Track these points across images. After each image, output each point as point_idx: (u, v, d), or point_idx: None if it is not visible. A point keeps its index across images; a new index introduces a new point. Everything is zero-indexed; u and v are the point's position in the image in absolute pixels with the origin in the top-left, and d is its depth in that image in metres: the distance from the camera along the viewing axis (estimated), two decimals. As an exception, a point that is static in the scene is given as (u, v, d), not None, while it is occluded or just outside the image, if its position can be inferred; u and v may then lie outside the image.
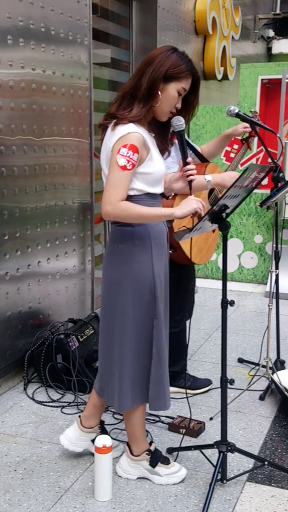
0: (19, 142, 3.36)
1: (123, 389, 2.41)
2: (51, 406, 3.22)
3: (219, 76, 7.15)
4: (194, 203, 2.26)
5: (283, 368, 3.55)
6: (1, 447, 2.80)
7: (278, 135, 3.39)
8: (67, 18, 3.78)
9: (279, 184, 3.21)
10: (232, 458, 2.69)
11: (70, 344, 3.43)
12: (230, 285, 5.57)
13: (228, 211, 2.30)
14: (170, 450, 2.74)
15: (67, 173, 3.90)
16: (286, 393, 3.13)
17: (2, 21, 3.16)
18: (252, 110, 3.32)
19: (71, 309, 4.06)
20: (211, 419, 3.08)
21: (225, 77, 7.37)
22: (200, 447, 2.69)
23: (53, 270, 3.81)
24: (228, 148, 5.76)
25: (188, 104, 2.37)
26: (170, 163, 2.76)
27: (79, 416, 2.66)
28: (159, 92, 2.24)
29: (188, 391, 3.32)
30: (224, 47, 7.22)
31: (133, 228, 2.31)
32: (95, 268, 4.35)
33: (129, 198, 2.24)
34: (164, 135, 2.40)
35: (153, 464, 2.52)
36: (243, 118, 3.10)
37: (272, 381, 3.33)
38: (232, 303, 2.39)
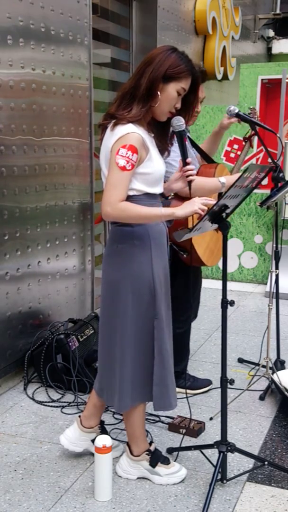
0: (19, 142, 3.36)
1: (123, 389, 2.41)
2: (51, 406, 3.22)
3: (219, 76, 7.16)
4: (196, 205, 2.26)
5: (283, 368, 3.55)
6: (1, 447, 2.80)
7: (278, 135, 3.39)
8: (67, 18, 3.78)
9: (279, 184, 3.20)
10: (232, 458, 2.69)
11: (70, 344, 3.43)
12: (230, 285, 5.57)
13: (228, 211, 2.30)
14: (170, 450, 2.74)
15: (67, 173, 3.90)
16: (286, 393, 3.13)
17: (2, 21, 3.16)
18: (250, 107, 3.32)
19: (71, 309, 4.06)
20: (211, 419, 3.08)
21: (225, 77, 7.37)
22: (200, 447, 2.69)
23: (53, 270, 3.81)
24: (228, 148, 5.76)
25: (188, 104, 2.36)
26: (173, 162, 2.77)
27: (79, 416, 2.66)
28: (159, 92, 2.23)
29: (188, 391, 3.33)
30: (224, 47, 7.22)
31: (132, 228, 2.31)
32: (95, 268, 4.35)
33: (129, 198, 2.24)
34: (164, 135, 2.40)
35: (153, 464, 2.52)
36: (243, 118, 3.10)
37: (272, 381, 3.33)
38: (232, 303, 2.39)
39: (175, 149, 2.49)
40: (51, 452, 2.76)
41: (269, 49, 10.85)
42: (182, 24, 6.05)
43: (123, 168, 2.17)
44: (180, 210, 2.26)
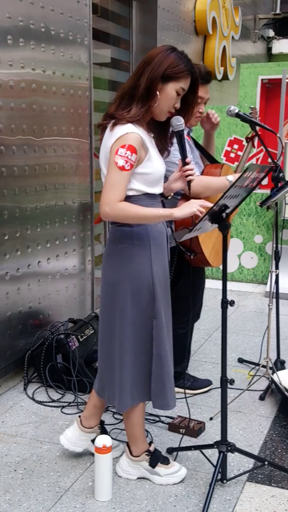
0: (19, 142, 3.36)
1: (123, 389, 2.41)
2: (51, 406, 3.22)
3: (219, 76, 7.16)
4: (194, 207, 2.26)
5: (283, 368, 3.55)
6: (1, 447, 2.80)
7: (278, 135, 3.39)
8: (67, 18, 3.78)
9: (279, 184, 3.20)
10: (232, 458, 2.69)
11: (70, 344, 3.43)
12: (230, 285, 5.57)
13: (228, 211, 2.30)
14: (170, 450, 2.74)
15: (67, 173, 3.90)
16: (286, 393, 3.13)
17: (2, 21, 3.16)
18: (251, 106, 3.32)
19: (71, 309, 4.06)
20: (211, 419, 3.08)
21: (225, 77, 7.37)
22: (200, 447, 2.69)
23: (53, 270, 3.81)
24: (228, 148, 5.76)
25: (188, 104, 2.36)
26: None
27: (79, 416, 2.66)
28: (157, 92, 2.23)
29: (188, 391, 3.33)
30: (224, 47, 7.22)
31: (131, 228, 2.31)
32: (95, 268, 4.35)
33: (128, 198, 2.24)
34: (163, 135, 2.40)
35: (153, 464, 2.52)
36: (243, 118, 3.10)
37: (272, 381, 3.33)
38: (232, 303, 2.39)
39: (177, 148, 2.49)
40: (51, 452, 2.76)
41: (269, 49, 10.85)
42: (182, 24, 6.05)
43: (122, 168, 2.17)
44: (179, 211, 2.26)
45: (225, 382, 2.43)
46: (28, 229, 3.51)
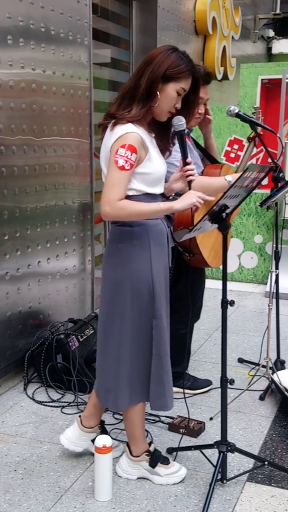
0: (19, 142, 3.36)
1: (121, 388, 2.41)
2: (51, 406, 3.22)
3: (219, 76, 7.16)
4: (193, 197, 2.26)
5: (283, 368, 3.55)
6: (1, 447, 2.80)
7: (278, 135, 3.39)
8: (67, 18, 3.78)
9: (279, 184, 3.20)
10: (232, 458, 2.69)
11: (70, 344, 3.43)
12: (230, 285, 5.57)
13: (228, 211, 2.30)
14: (170, 450, 2.74)
15: (67, 173, 3.90)
16: (286, 393, 3.13)
17: (2, 21, 3.16)
18: (254, 106, 3.32)
19: (71, 309, 4.06)
20: (211, 419, 3.08)
21: (225, 77, 7.37)
22: (200, 447, 2.69)
23: (53, 270, 3.81)
24: (228, 148, 5.76)
25: (189, 104, 2.36)
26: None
27: (79, 416, 2.66)
28: (158, 92, 2.23)
29: (188, 391, 3.32)
30: (224, 47, 7.22)
31: (131, 228, 2.31)
32: (95, 268, 4.35)
33: (128, 198, 2.24)
34: (165, 135, 2.40)
35: (152, 464, 2.52)
36: (243, 118, 3.10)
37: (272, 381, 3.33)
38: (232, 303, 2.39)
39: (176, 149, 2.49)
40: (51, 452, 2.76)
41: (269, 49, 10.85)
42: (182, 24, 6.05)
43: (122, 168, 2.17)
44: (178, 204, 2.26)
45: (225, 382, 2.43)
46: (28, 229, 3.51)
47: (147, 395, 2.45)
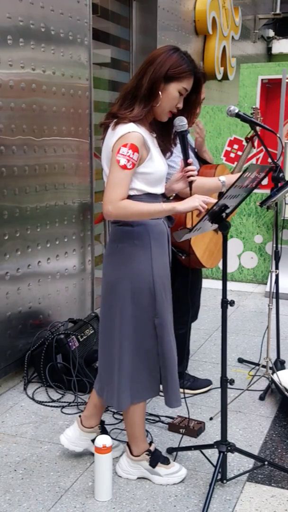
0: (19, 142, 3.36)
1: (122, 388, 2.41)
2: (51, 406, 3.22)
3: (219, 76, 7.16)
4: (197, 201, 2.26)
5: (283, 368, 3.55)
6: (1, 447, 2.80)
7: (278, 135, 3.39)
8: (67, 18, 3.78)
9: (279, 184, 3.20)
10: (232, 458, 2.69)
11: (70, 344, 3.43)
12: (230, 285, 5.57)
13: (228, 211, 2.30)
14: (170, 450, 2.74)
15: (67, 173, 3.90)
16: (286, 393, 3.13)
17: (2, 21, 3.16)
18: (253, 106, 3.32)
19: (71, 309, 4.06)
20: (211, 419, 3.08)
21: (225, 77, 7.37)
22: (200, 447, 2.69)
23: (53, 270, 3.81)
24: (228, 148, 5.76)
25: (191, 104, 2.36)
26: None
27: (79, 416, 2.66)
28: (160, 92, 2.24)
29: (188, 391, 3.32)
30: (224, 47, 7.22)
31: (132, 228, 2.31)
32: (95, 268, 4.35)
33: (129, 198, 2.25)
34: (166, 135, 2.40)
35: (153, 464, 2.52)
36: (243, 118, 3.10)
37: (272, 381, 3.33)
38: (232, 303, 2.39)
39: (175, 150, 2.49)
40: (51, 452, 2.76)
41: (269, 49, 10.85)
42: (182, 24, 6.05)
43: (124, 167, 2.17)
44: (181, 205, 2.27)
45: (225, 382, 2.43)
46: (28, 229, 3.51)
47: (149, 393, 2.46)
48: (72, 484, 2.51)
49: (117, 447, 2.71)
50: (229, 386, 2.46)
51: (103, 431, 2.65)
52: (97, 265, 4.38)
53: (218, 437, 2.55)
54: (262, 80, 5.63)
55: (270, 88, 5.74)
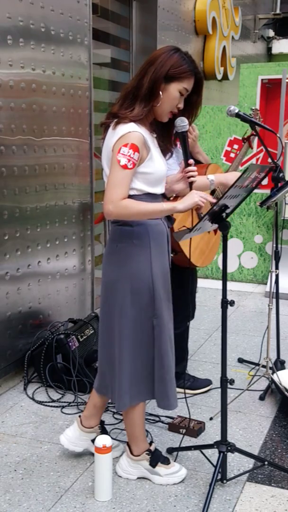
0: (19, 142, 3.36)
1: (122, 388, 2.41)
2: (51, 406, 3.22)
3: (219, 76, 7.16)
4: (196, 197, 2.27)
5: (283, 368, 3.55)
6: (1, 447, 2.80)
7: (278, 135, 3.39)
8: (67, 18, 3.78)
9: (279, 184, 3.20)
10: (232, 458, 2.69)
11: (70, 344, 3.43)
12: (230, 285, 5.57)
13: (228, 211, 2.31)
14: (170, 450, 2.74)
15: (67, 173, 3.90)
16: (286, 393, 3.13)
17: (2, 21, 3.16)
18: (252, 107, 3.32)
19: (71, 309, 4.06)
20: (211, 419, 3.08)
21: (225, 77, 7.37)
22: (200, 447, 2.69)
23: (53, 270, 3.81)
24: (228, 148, 5.76)
25: (191, 105, 2.36)
26: (171, 164, 2.76)
27: (79, 416, 2.66)
28: (160, 92, 2.24)
29: (188, 391, 3.32)
30: (224, 47, 7.22)
31: (132, 228, 2.31)
32: (95, 268, 4.35)
33: (130, 198, 2.24)
34: (167, 135, 2.40)
35: (153, 464, 2.52)
36: (243, 118, 3.10)
37: (272, 381, 3.33)
38: (232, 303, 2.39)
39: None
40: (51, 452, 2.76)
41: (269, 49, 10.85)
42: (182, 24, 6.05)
43: (125, 167, 2.17)
44: (181, 204, 2.27)
45: (225, 382, 2.43)
46: (28, 229, 3.51)
47: (149, 393, 2.46)
48: (72, 484, 2.51)
49: (117, 447, 2.71)
50: (229, 386, 2.46)
51: (103, 431, 2.65)
52: (97, 265, 4.38)
53: (218, 437, 2.55)
54: (262, 80, 5.63)
55: (270, 88, 5.74)
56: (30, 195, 3.50)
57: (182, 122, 2.32)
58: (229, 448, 2.46)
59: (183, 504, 2.39)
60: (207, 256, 3.24)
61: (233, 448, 2.49)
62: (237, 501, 2.41)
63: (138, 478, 2.55)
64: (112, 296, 2.38)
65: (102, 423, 2.67)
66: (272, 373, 3.37)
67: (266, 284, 5.64)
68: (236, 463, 2.67)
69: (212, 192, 3.21)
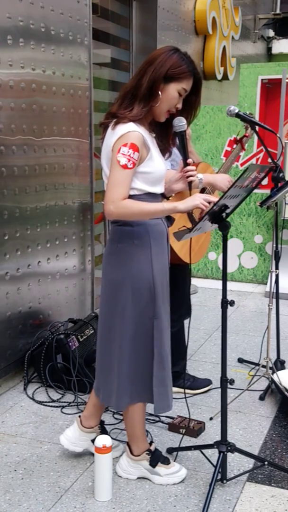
0: (19, 142, 3.36)
1: (122, 388, 2.41)
2: (51, 406, 3.22)
3: (219, 76, 7.16)
4: (198, 199, 2.27)
5: (283, 368, 3.55)
6: (1, 447, 2.80)
7: (278, 135, 3.39)
8: (67, 18, 3.78)
9: (279, 184, 3.20)
10: (232, 458, 2.69)
11: (70, 344, 3.43)
12: (230, 285, 5.57)
13: (228, 211, 2.31)
14: (170, 450, 2.74)
15: (67, 173, 3.90)
16: (286, 393, 3.13)
17: (2, 21, 3.16)
18: (247, 112, 3.33)
19: (71, 309, 4.06)
20: (211, 419, 3.08)
21: (225, 77, 7.37)
22: (200, 447, 2.69)
23: (53, 270, 3.81)
24: (228, 148, 5.76)
25: (190, 105, 2.36)
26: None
27: (79, 416, 2.66)
28: (159, 92, 2.24)
29: (188, 391, 3.32)
30: (224, 47, 7.22)
31: (132, 228, 2.31)
32: (95, 268, 4.35)
33: (130, 197, 2.24)
34: (165, 135, 2.40)
35: (153, 464, 2.52)
36: (243, 118, 3.10)
37: (272, 381, 3.33)
38: (232, 303, 2.39)
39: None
40: (51, 452, 2.76)
41: (269, 49, 10.85)
42: (182, 24, 6.05)
43: (125, 167, 2.17)
44: (182, 204, 2.27)
45: (225, 382, 2.43)
46: (28, 229, 3.51)
47: (148, 396, 2.45)
48: (72, 484, 2.51)
49: (117, 447, 2.71)
50: (229, 386, 2.46)
51: (103, 431, 2.65)
52: (97, 265, 4.39)
53: (218, 437, 2.55)
54: (262, 80, 5.63)
55: (270, 88, 5.74)
56: (30, 195, 3.50)
57: (180, 122, 2.32)
58: (229, 448, 2.46)
59: (183, 504, 2.39)
60: (197, 252, 3.25)
61: (233, 448, 2.49)
62: (237, 501, 2.41)
63: (138, 478, 2.55)
64: (112, 297, 2.37)
65: (102, 423, 2.67)
66: (272, 373, 3.37)
67: (266, 284, 5.64)
68: (236, 463, 2.67)
69: (202, 191, 3.22)
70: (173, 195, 2.54)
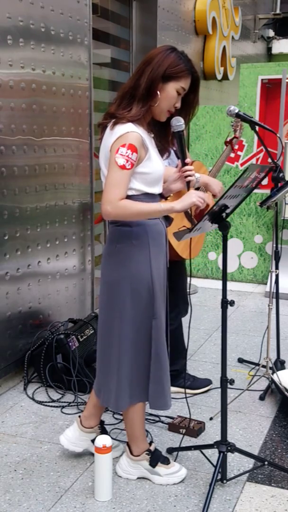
0: (19, 142, 3.36)
1: (121, 388, 2.41)
2: (51, 406, 3.22)
3: (219, 76, 7.16)
4: (193, 197, 2.27)
5: (283, 368, 3.55)
6: (1, 447, 2.80)
7: (278, 135, 3.39)
8: (67, 18, 3.78)
9: (279, 184, 3.21)
10: (232, 458, 2.69)
11: (70, 344, 3.43)
12: (230, 285, 5.57)
13: (228, 211, 2.31)
14: (170, 450, 2.74)
15: (67, 173, 3.90)
16: (286, 393, 3.13)
17: (2, 21, 3.16)
18: (232, 121, 3.40)
19: (71, 309, 4.06)
20: (211, 419, 3.08)
21: (225, 77, 7.37)
22: (200, 447, 2.69)
23: (53, 270, 3.81)
24: (228, 148, 5.75)
25: (188, 104, 2.36)
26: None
27: (79, 416, 2.66)
28: (158, 92, 2.24)
29: (188, 391, 3.32)
30: (224, 47, 7.22)
31: (130, 228, 2.31)
32: (95, 268, 4.35)
33: (128, 198, 2.24)
34: (164, 135, 2.40)
35: (153, 464, 2.52)
36: (243, 118, 3.10)
37: (272, 381, 3.33)
38: (232, 303, 2.39)
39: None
40: (51, 452, 2.76)
41: (269, 49, 10.85)
42: (182, 24, 6.05)
43: (123, 167, 2.17)
44: (179, 204, 2.27)
45: (225, 382, 2.43)
46: (28, 229, 3.51)
47: (147, 395, 2.45)
48: (72, 484, 2.51)
49: (117, 447, 2.71)
50: (229, 386, 2.46)
51: (103, 431, 2.65)
52: (97, 265, 4.39)
53: (218, 437, 2.55)
54: (262, 80, 5.63)
55: (270, 88, 5.74)
56: (30, 195, 3.50)
57: (177, 122, 2.32)
58: (229, 448, 2.46)
59: (183, 504, 2.39)
60: (194, 247, 3.25)
61: (233, 448, 2.49)
62: (237, 501, 2.41)
63: (138, 478, 2.55)
64: (111, 296, 2.37)
65: (102, 423, 2.67)
66: (272, 373, 3.37)
67: (266, 284, 5.64)
68: (236, 463, 2.67)
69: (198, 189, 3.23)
70: (171, 195, 2.54)
